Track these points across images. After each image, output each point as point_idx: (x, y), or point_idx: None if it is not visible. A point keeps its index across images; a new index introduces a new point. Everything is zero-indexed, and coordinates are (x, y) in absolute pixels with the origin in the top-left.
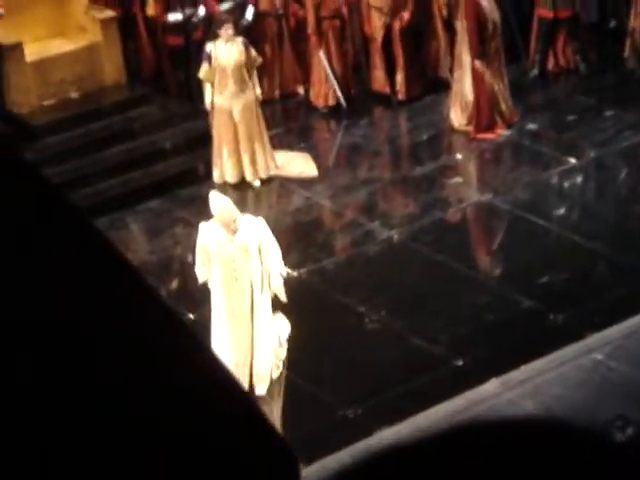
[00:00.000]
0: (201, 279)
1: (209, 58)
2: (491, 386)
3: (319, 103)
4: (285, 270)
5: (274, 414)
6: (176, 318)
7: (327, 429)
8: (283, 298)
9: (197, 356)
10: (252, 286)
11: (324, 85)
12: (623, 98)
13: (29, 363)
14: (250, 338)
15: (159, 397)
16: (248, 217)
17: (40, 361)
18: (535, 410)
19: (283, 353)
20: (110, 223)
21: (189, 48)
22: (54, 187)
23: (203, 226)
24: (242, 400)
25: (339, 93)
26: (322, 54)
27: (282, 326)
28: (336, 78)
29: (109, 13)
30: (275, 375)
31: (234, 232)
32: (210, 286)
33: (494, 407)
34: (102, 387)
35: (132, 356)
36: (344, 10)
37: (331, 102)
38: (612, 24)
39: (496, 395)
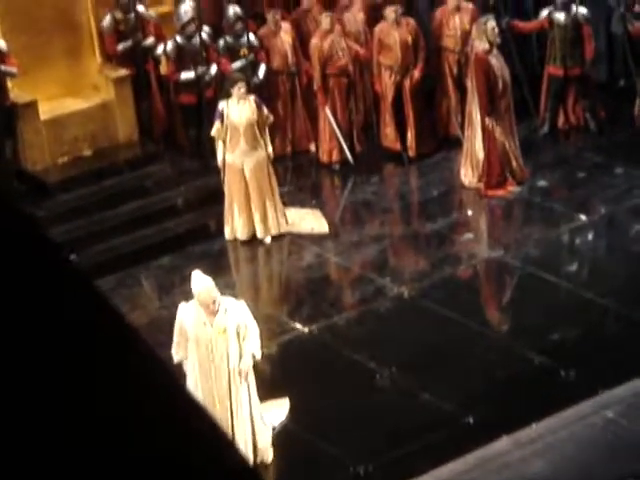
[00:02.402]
0: (176, 359)
1: (221, 116)
2: (502, 444)
3: (325, 159)
4: (260, 354)
5: (281, 472)
6: (169, 374)
7: None
8: (244, 380)
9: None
10: (229, 369)
11: (330, 141)
12: (633, 156)
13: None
14: (228, 421)
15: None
16: (228, 299)
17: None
18: (546, 470)
19: (266, 437)
20: (122, 280)
21: (201, 106)
22: (51, 243)
23: (182, 306)
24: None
25: (345, 149)
26: (328, 110)
27: (272, 410)
28: (342, 134)
29: (122, 72)
30: (260, 458)
31: (213, 314)
32: (185, 368)
33: (505, 465)
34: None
35: (122, 419)
36: (350, 67)
37: (337, 158)
38: (622, 83)
39: (507, 453)
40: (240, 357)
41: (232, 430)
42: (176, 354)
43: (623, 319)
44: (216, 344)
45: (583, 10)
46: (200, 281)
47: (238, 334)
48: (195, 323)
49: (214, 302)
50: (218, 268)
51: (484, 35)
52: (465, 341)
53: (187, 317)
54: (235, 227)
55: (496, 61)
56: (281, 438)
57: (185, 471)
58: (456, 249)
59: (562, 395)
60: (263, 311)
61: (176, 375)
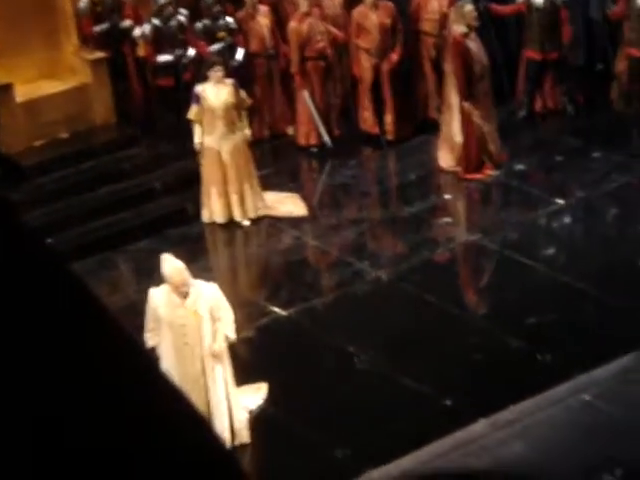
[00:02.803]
0: (150, 344)
1: (198, 99)
2: (480, 426)
3: (303, 142)
4: (234, 337)
5: (260, 456)
6: (148, 359)
7: (316, 470)
8: (218, 361)
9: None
10: (202, 350)
11: (308, 124)
12: (610, 140)
13: None
14: (204, 404)
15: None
16: (200, 282)
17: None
18: (524, 451)
19: (243, 418)
20: (100, 263)
21: (179, 89)
22: (27, 227)
23: (153, 291)
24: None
25: (323, 132)
26: (306, 93)
27: (250, 394)
28: (320, 117)
29: (99, 54)
30: (238, 440)
31: (185, 296)
32: (159, 352)
33: (483, 447)
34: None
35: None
36: (329, 51)
37: (315, 141)
38: (599, 67)
39: (485, 435)
40: (214, 339)
41: (208, 412)
42: (150, 339)
43: (600, 303)
44: (190, 326)
45: None
46: (170, 263)
47: (211, 316)
48: (167, 306)
49: (185, 284)
50: (196, 251)
51: (462, 19)
52: (443, 324)
53: (159, 301)
54: (213, 210)
55: (474, 45)
56: (259, 421)
57: (163, 456)
58: (434, 233)
59: (539, 378)
60: (241, 295)
61: (153, 359)
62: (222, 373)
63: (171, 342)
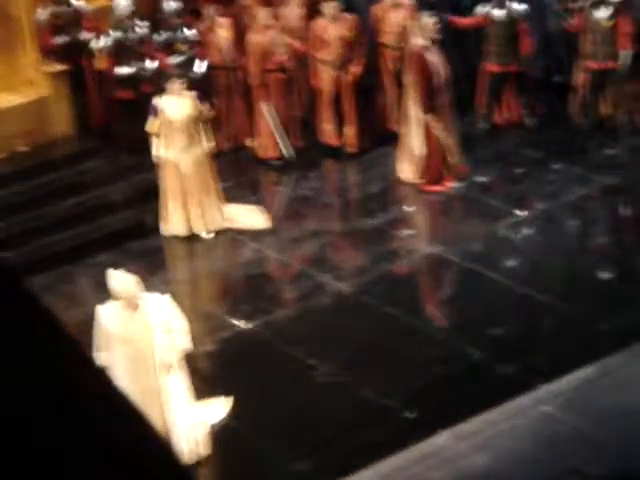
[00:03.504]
0: (99, 363)
1: (157, 112)
2: (442, 439)
3: (264, 155)
4: (190, 346)
5: (222, 470)
6: (97, 370)
7: None
8: (172, 373)
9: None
10: (155, 362)
11: (269, 137)
12: (569, 151)
13: None
14: (162, 418)
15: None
16: (151, 294)
17: None
18: (486, 462)
19: (202, 431)
20: (59, 277)
21: (139, 101)
22: None
23: (101, 309)
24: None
25: (283, 145)
26: (266, 106)
27: (211, 407)
28: (280, 130)
29: (59, 67)
30: (196, 453)
31: (135, 309)
32: (112, 372)
33: (445, 459)
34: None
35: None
36: (289, 63)
37: (275, 154)
38: (557, 79)
39: (447, 447)
40: (167, 351)
41: (166, 426)
42: (99, 358)
43: (560, 314)
44: (142, 340)
45: (519, 7)
46: (120, 278)
47: (164, 327)
48: (118, 322)
49: (135, 297)
50: (156, 264)
51: (421, 31)
52: (404, 337)
53: (108, 318)
54: (172, 223)
55: (434, 57)
56: (220, 435)
57: (118, 469)
58: (395, 245)
59: (501, 389)
60: (202, 308)
61: (104, 371)
62: (179, 385)
63: (125, 358)
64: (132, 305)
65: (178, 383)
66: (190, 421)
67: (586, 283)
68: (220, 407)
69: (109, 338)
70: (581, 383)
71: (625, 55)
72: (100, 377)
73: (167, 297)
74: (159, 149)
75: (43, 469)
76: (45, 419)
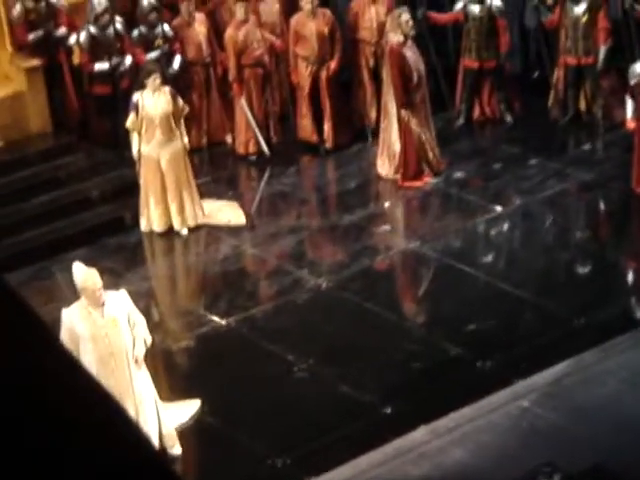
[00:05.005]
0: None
1: (136, 108)
2: (420, 434)
3: (241, 150)
4: (150, 338)
5: (198, 465)
6: (77, 367)
7: (255, 479)
8: (140, 367)
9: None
10: (127, 358)
11: (246, 133)
12: (547, 147)
13: None
14: (134, 411)
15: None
16: (111, 292)
17: None
18: (464, 457)
19: (172, 425)
20: (36, 273)
21: (115, 97)
22: None
23: (66, 312)
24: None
25: (261, 140)
26: (243, 102)
27: (178, 407)
28: (258, 126)
29: (34, 62)
30: (167, 447)
31: (100, 305)
32: None
33: (423, 455)
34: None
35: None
36: (266, 58)
37: (253, 149)
38: (536, 75)
39: (425, 443)
40: (134, 345)
41: (138, 419)
42: None
43: (538, 309)
44: (112, 335)
45: (497, 2)
46: (83, 271)
47: (128, 322)
48: (86, 321)
49: (99, 288)
50: (134, 260)
51: (399, 27)
52: (382, 332)
53: (75, 319)
54: (151, 219)
55: (411, 53)
56: (198, 430)
57: (100, 465)
58: (373, 240)
59: (478, 385)
60: (180, 304)
61: (80, 364)
62: (148, 379)
63: (95, 356)
64: (97, 301)
65: (146, 378)
66: (160, 417)
67: (564, 278)
68: (187, 409)
69: (77, 340)
70: (558, 378)
71: (604, 50)
72: (80, 371)
73: (124, 292)
74: (138, 145)
75: (22, 466)
76: (23, 416)
